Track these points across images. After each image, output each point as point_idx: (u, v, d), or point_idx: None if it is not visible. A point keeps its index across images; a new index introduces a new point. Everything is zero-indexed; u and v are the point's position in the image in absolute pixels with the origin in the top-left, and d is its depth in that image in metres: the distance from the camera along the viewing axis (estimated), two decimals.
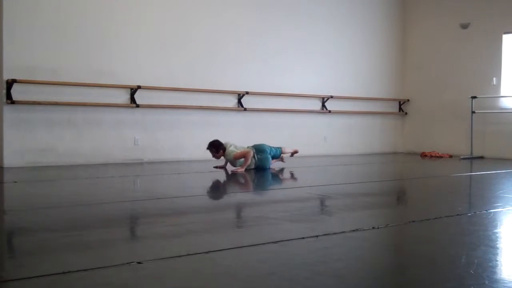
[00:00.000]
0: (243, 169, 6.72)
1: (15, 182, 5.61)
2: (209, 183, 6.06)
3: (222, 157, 7.10)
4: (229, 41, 8.84)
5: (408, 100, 11.10)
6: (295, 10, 9.61)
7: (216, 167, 7.10)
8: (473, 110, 9.69)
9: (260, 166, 6.95)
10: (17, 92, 6.96)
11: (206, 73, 8.56)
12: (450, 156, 9.86)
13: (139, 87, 7.84)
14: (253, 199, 4.71)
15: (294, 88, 9.53)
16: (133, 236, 3.34)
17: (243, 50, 8.98)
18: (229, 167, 7.00)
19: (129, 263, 2.46)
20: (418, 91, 10.98)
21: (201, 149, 8.23)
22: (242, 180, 6.16)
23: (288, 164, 7.64)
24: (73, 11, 7.43)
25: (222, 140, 7.07)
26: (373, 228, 3.31)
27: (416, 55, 11.05)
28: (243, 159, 6.82)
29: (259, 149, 7.02)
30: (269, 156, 7.05)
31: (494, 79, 9.73)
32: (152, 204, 4.28)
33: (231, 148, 6.94)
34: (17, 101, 6.93)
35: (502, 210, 4.00)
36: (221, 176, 6.54)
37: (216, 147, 6.98)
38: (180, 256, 2.59)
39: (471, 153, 9.63)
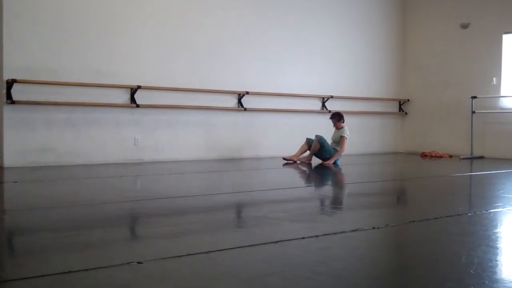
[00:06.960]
0: (331, 162, 7.80)
1: (15, 182, 5.61)
2: (209, 183, 6.06)
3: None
4: (229, 41, 8.83)
5: (408, 100, 11.10)
6: (295, 10, 9.61)
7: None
8: (473, 110, 9.69)
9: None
10: (17, 92, 6.96)
11: (206, 73, 8.55)
12: (450, 156, 9.86)
13: (139, 87, 7.84)
14: (253, 199, 4.70)
15: (294, 88, 9.53)
16: (133, 236, 3.34)
17: (243, 50, 8.97)
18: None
19: (129, 263, 2.46)
20: (418, 91, 10.98)
21: (201, 149, 8.22)
22: (241, 180, 6.15)
23: (288, 165, 7.63)
24: (73, 11, 7.42)
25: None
26: (373, 228, 3.31)
27: (416, 55, 11.04)
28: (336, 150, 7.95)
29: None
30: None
31: (494, 79, 9.73)
32: (152, 204, 4.27)
33: (347, 132, 8.13)
34: (17, 101, 6.93)
35: (502, 210, 4.00)
36: (220, 176, 6.54)
37: (340, 116, 8.16)
38: (180, 256, 2.59)
39: (471, 153, 9.63)
